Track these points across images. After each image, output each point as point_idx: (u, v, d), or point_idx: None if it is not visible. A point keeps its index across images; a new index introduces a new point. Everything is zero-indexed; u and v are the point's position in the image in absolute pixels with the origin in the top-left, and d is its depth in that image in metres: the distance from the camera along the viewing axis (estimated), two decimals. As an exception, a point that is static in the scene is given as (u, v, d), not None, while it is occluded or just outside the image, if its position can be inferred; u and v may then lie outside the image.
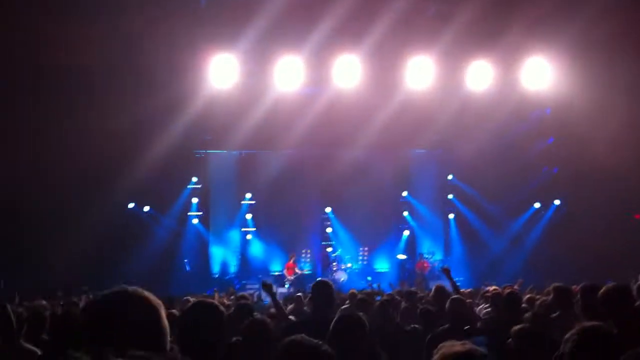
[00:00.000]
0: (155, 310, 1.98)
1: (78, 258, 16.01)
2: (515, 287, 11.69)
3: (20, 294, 10.91)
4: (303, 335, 2.93)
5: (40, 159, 15.61)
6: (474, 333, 4.14)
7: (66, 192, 16.46)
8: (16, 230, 15.81)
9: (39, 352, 4.81)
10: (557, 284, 6.54)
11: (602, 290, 4.49)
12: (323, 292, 5.34)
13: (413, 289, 13.54)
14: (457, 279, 20.51)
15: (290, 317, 6.95)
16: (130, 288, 2.01)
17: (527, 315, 6.29)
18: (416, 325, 6.58)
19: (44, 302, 9.32)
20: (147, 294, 2.01)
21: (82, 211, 16.52)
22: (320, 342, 2.90)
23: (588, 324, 3.31)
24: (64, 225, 16.41)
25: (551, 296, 6.61)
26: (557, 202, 20.95)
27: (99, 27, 13.49)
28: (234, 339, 4.39)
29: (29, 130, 15.34)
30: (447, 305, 6.11)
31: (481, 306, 9.58)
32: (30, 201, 15.65)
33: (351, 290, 10.58)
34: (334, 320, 3.99)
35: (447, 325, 5.82)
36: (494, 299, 7.97)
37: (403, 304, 8.78)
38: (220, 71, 15.73)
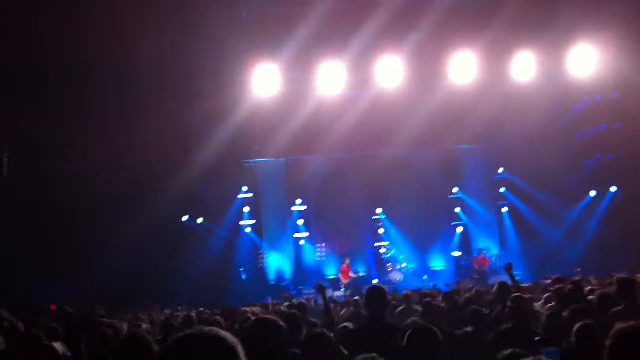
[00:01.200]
0: (233, 353, 1.91)
1: (132, 270, 16.30)
2: (575, 278, 11.45)
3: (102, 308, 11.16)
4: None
5: (91, 170, 15.93)
6: (545, 344, 4.06)
7: (116, 204, 16.79)
8: (69, 239, 16.15)
9: None
10: (620, 276, 6.37)
11: None
12: (375, 298, 5.38)
13: (473, 286, 13.46)
14: (515, 273, 20.28)
15: (347, 323, 6.97)
16: (206, 330, 1.94)
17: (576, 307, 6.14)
18: (467, 329, 6.40)
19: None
20: (223, 334, 1.93)
21: (133, 222, 16.75)
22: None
23: (626, 325, 3.20)
24: (115, 236, 16.72)
25: (614, 288, 6.44)
26: (613, 189, 20.38)
27: (148, 40, 13.75)
28: (291, 350, 4.42)
29: (80, 140, 15.66)
30: (508, 303, 6.02)
31: (541, 302, 9.34)
32: (83, 211, 16.01)
33: (406, 291, 10.55)
34: (407, 335, 4.00)
35: (509, 325, 5.71)
36: (557, 294, 7.78)
37: (443, 305, 8.66)
38: (264, 80, 15.88)
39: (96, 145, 15.52)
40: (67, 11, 12.57)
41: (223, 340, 1.90)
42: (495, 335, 5.45)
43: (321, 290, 6.23)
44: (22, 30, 12.64)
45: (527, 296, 7.62)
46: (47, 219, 15.76)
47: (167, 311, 13.28)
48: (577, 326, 4.34)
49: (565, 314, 6.04)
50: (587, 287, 8.51)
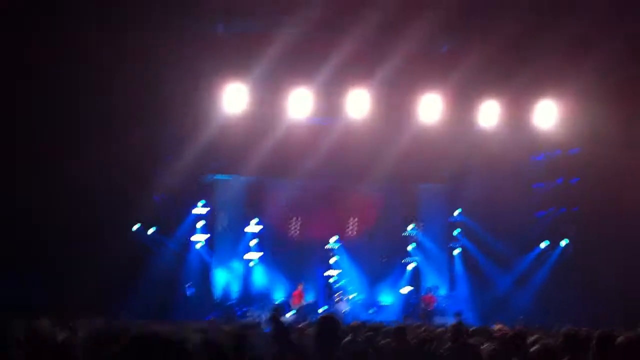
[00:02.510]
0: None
1: (85, 281, 15.90)
2: (517, 326, 11.56)
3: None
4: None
5: (56, 185, 15.59)
6: None
7: (79, 217, 16.45)
8: (28, 251, 15.75)
9: None
10: (567, 329, 6.42)
11: (619, 341, 4.26)
12: (330, 329, 5.25)
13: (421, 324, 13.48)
14: (462, 317, 20.42)
15: None
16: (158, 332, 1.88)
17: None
18: None
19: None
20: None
21: (93, 235, 16.43)
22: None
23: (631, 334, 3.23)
24: (76, 248, 16.36)
25: (560, 340, 6.48)
26: (563, 242, 20.78)
27: (115, 49, 13.62)
28: None
29: (47, 159, 15.35)
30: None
31: (485, 345, 9.40)
32: (39, 224, 15.64)
33: (354, 322, 10.46)
34: None
35: None
36: (500, 340, 7.84)
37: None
38: (233, 98, 15.86)
39: (58, 160, 15.25)
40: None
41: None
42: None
43: (277, 315, 5.96)
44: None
45: (471, 340, 7.65)
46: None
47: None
48: None
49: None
50: (530, 336, 8.56)
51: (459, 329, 7.34)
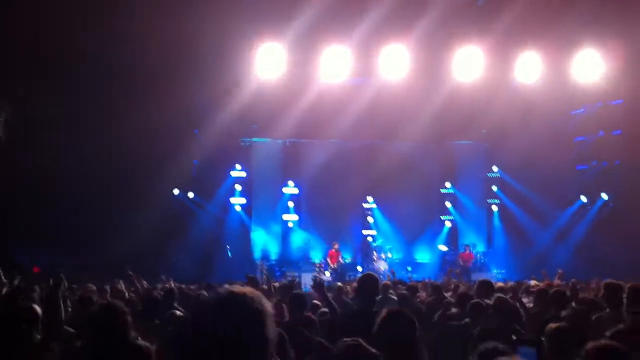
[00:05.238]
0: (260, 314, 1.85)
1: (124, 244, 16.31)
2: (556, 280, 11.52)
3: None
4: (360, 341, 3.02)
5: (92, 145, 15.91)
6: (523, 343, 4.08)
7: (118, 179, 16.81)
8: (63, 212, 16.17)
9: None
10: (608, 281, 6.41)
11: None
12: (369, 286, 5.36)
13: (454, 280, 13.55)
14: (499, 271, 20.39)
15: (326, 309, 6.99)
16: (235, 289, 1.88)
17: (564, 313, 6.21)
18: (467, 320, 6.44)
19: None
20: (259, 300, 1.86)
21: (132, 198, 16.80)
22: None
23: (599, 342, 3.29)
24: (113, 212, 16.76)
25: (601, 293, 6.49)
26: (604, 196, 20.47)
27: (152, 17, 13.68)
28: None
29: (83, 115, 15.64)
30: (493, 302, 6.08)
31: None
32: (81, 187, 16.02)
33: (384, 281, 10.56)
34: (384, 315, 4.00)
35: (493, 323, 5.79)
36: (539, 295, 7.86)
37: (430, 298, 8.72)
38: (268, 60, 15.81)
39: (98, 121, 15.50)
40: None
41: (258, 304, 1.85)
42: (479, 331, 5.51)
43: (319, 287, 6.03)
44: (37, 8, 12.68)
45: (508, 295, 7.68)
46: (44, 190, 15.70)
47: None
48: (548, 328, 4.36)
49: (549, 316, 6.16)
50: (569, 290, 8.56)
51: (484, 287, 7.33)
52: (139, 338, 4.49)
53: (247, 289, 1.90)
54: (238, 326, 1.79)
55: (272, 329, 1.86)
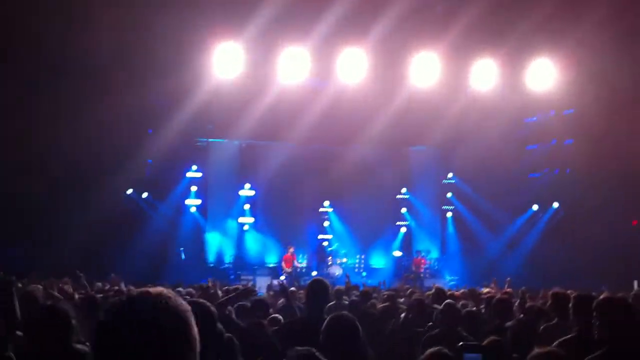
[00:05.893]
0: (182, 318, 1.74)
1: (75, 244, 15.92)
2: (505, 287, 11.68)
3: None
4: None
5: (45, 144, 15.49)
6: (469, 349, 4.09)
7: (69, 178, 16.40)
8: (15, 214, 15.74)
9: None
10: (554, 290, 6.47)
11: (596, 301, 4.26)
12: (319, 292, 5.30)
13: (407, 286, 13.63)
14: (451, 278, 20.60)
15: (276, 315, 6.92)
16: (156, 291, 1.76)
17: (509, 323, 6.26)
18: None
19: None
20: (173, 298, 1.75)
21: (84, 197, 16.43)
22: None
23: (541, 350, 3.31)
24: (64, 210, 16.36)
25: (549, 302, 6.55)
26: (555, 204, 20.88)
27: (108, 13, 13.39)
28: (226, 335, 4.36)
29: (37, 112, 15.21)
30: (442, 307, 6.10)
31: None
32: (32, 186, 15.57)
33: (337, 287, 10.53)
34: (326, 322, 3.95)
35: (437, 331, 5.84)
36: (487, 302, 7.93)
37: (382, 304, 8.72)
38: (225, 60, 15.65)
39: (50, 116, 15.09)
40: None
41: (173, 304, 1.73)
42: (425, 339, 5.52)
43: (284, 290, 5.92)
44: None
45: (461, 302, 7.73)
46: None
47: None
48: (486, 341, 4.40)
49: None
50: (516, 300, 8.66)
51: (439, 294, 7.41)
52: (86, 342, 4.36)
53: (162, 289, 1.80)
54: (150, 326, 1.67)
55: (190, 329, 1.73)
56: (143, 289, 1.78)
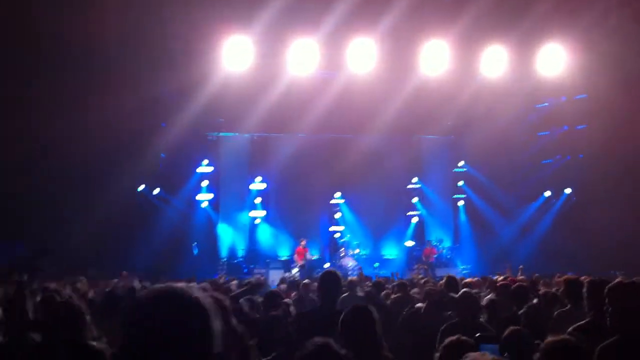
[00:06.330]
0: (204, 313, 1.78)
1: (87, 240, 16.01)
2: (519, 275, 11.64)
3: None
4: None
5: (53, 138, 15.55)
6: (486, 340, 4.09)
7: (79, 173, 16.48)
8: (26, 210, 15.82)
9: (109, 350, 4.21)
10: (567, 276, 6.45)
11: (608, 287, 4.20)
12: (331, 283, 5.31)
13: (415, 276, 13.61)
14: (464, 266, 20.53)
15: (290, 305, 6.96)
16: (178, 287, 1.79)
17: (522, 310, 6.23)
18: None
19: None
20: (196, 294, 1.78)
21: (95, 192, 16.51)
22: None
23: (556, 338, 3.28)
24: (76, 205, 16.43)
25: (562, 289, 6.53)
26: (567, 190, 20.76)
27: (118, 6, 13.41)
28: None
29: (44, 108, 15.26)
30: (458, 296, 6.08)
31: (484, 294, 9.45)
32: (41, 182, 15.66)
33: (350, 278, 10.55)
34: (345, 312, 3.98)
35: (456, 320, 5.81)
36: (501, 290, 7.88)
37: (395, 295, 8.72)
38: (235, 53, 15.63)
39: (62, 111, 15.11)
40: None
41: (195, 299, 1.77)
42: (444, 328, 5.51)
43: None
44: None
45: (474, 291, 7.69)
46: (2, 181, 15.31)
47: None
48: (506, 332, 4.37)
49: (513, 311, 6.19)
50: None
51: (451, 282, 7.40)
52: (103, 338, 4.39)
53: (185, 284, 1.83)
54: (173, 319, 1.72)
55: (213, 323, 1.78)
56: (167, 284, 1.81)
